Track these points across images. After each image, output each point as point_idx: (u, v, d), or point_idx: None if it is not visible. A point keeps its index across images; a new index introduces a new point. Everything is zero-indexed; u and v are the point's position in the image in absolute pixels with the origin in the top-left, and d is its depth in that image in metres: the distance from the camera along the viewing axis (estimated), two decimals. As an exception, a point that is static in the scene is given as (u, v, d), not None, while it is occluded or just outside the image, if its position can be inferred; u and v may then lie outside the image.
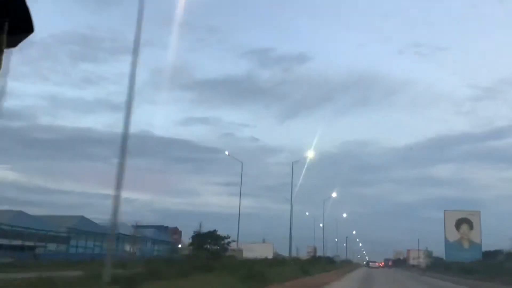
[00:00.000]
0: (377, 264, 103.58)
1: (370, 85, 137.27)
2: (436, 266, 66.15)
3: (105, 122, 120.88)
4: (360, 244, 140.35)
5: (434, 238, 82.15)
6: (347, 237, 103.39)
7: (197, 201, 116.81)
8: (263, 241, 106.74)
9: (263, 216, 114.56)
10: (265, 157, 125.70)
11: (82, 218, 68.36)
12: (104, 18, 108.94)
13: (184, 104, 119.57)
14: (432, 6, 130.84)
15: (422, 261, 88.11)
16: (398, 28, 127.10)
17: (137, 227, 74.43)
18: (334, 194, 71.83)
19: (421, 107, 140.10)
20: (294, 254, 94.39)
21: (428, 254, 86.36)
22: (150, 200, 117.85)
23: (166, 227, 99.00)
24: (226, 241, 57.96)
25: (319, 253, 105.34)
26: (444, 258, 68.12)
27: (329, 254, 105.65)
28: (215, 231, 57.81)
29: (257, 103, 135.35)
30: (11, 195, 79.80)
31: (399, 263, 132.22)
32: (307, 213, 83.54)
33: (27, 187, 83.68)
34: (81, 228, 63.07)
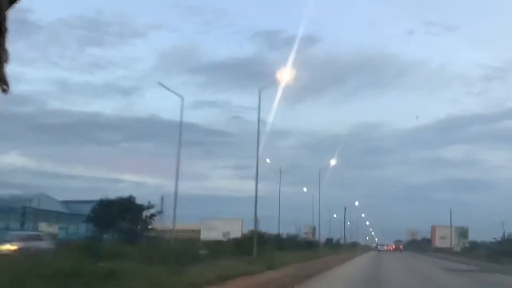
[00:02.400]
0: (385, 247, 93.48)
1: (380, 66, 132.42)
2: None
3: (114, 107, 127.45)
4: (368, 223, 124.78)
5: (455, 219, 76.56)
6: (345, 208, 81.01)
7: (206, 185, 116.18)
8: (256, 220, 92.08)
9: (272, 199, 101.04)
10: (274, 140, 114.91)
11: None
12: (111, 2, 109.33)
13: (192, 88, 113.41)
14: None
15: (456, 242, 65.03)
16: (409, 8, 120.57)
17: (69, 202, 57.76)
18: (333, 162, 55.59)
19: (431, 88, 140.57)
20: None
21: (463, 232, 63.82)
22: (160, 184, 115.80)
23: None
24: (148, 213, 37.01)
25: (324, 234, 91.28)
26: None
27: (333, 236, 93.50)
28: (130, 198, 36.59)
29: (266, 86, 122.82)
30: (20, 180, 75.42)
31: (415, 245, 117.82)
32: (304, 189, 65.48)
33: (36, 171, 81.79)
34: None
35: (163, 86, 32.36)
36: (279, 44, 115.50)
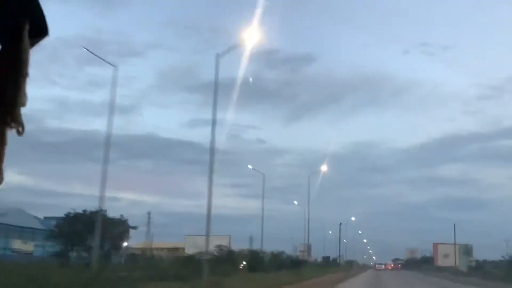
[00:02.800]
0: (383, 266, 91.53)
1: (377, 85, 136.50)
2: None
3: (113, 125, 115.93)
4: (365, 240, 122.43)
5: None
6: (340, 223, 77.47)
7: (204, 203, 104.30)
8: (250, 240, 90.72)
9: (269, 217, 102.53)
10: (271, 158, 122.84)
11: None
12: (110, 22, 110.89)
13: (190, 106, 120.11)
14: (438, 5, 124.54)
15: (460, 261, 60.61)
16: (404, 28, 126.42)
17: (50, 218, 54.16)
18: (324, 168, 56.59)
19: (428, 107, 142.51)
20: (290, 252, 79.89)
21: (467, 250, 59.71)
22: (157, 202, 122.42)
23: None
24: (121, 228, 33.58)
25: (318, 252, 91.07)
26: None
27: (330, 254, 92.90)
28: (100, 211, 32.84)
29: (263, 105, 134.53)
30: (18, 198, 77.40)
31: (414, 264, 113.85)
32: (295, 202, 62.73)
33: (33, 190, 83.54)
34: None
35: (89, 51, 28.99)
36: (277, 63, 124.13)
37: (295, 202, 58.35)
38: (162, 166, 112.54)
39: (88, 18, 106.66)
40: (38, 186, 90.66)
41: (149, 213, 78.98)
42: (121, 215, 32.57)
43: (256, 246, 74.40)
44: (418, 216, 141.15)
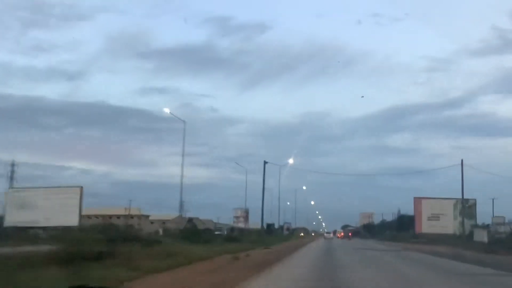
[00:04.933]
0: (332, 235, 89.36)
1: (330, 56, 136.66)
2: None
3: (59, 91, 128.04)
4: (313, 203, 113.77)
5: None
6: (265, 162, 59.79)
7: (156, 172, 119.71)
8: (180, 205, 73.29)
9: (223, 186, 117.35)
10: (224, 127, 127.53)
11: None
12: None
13: (141, 74, 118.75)
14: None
15: (458, 226, 41.69)
16: None
17: None
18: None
19: (379, 78, 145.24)
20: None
21: (470, 209, 41.20)
22: (108, 171, 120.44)
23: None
24: None
25: (256, 218, 73.71)
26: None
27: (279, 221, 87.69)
28: None
29: (216, 73, 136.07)
30: None
31: (370, 230, 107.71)
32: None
33: None
34: None
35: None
36: (230, 31, 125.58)
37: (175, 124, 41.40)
38: (112, 134, 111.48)
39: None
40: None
41: (12, 165, 57.01)
42: None
43: (197, 215, 67.79)
44: (369, 184, 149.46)
